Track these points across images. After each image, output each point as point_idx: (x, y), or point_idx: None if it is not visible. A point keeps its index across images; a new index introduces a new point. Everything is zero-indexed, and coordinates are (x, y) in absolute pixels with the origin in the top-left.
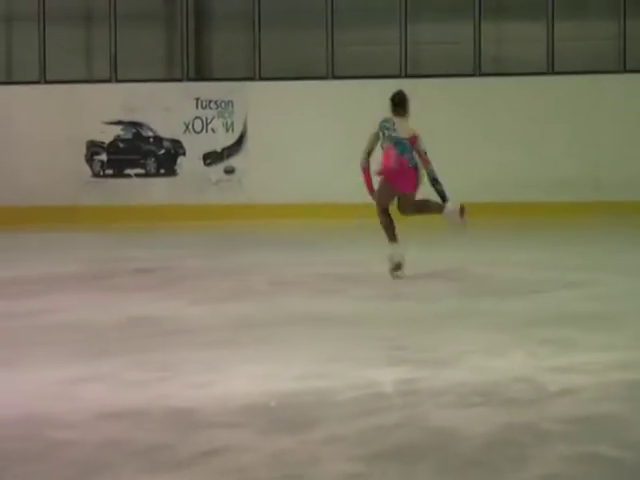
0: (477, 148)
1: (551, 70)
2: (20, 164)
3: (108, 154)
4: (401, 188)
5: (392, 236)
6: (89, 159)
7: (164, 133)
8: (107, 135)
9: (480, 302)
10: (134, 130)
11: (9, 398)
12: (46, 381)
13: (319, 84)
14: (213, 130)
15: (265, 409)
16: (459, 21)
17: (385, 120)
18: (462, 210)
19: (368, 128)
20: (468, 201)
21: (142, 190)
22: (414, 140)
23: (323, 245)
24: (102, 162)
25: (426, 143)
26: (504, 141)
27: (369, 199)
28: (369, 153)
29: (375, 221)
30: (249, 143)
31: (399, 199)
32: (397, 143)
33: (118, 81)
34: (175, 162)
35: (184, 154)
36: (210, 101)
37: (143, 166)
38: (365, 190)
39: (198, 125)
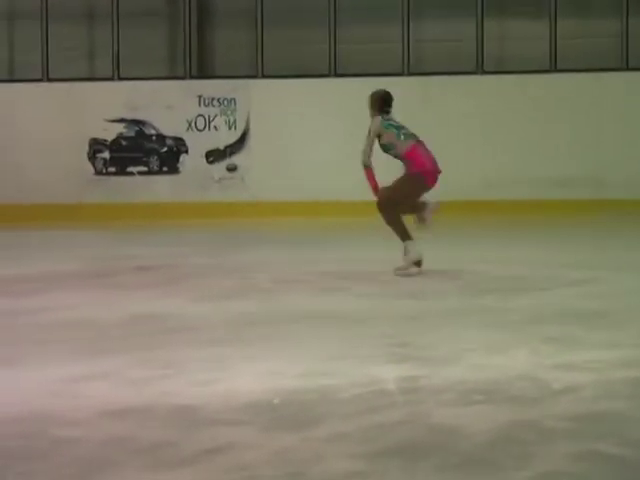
0: (479, 146)
1: (554, 68)
2: (23, 162)
3: (111, 152)
4: (432, 186)
5: (409, 233)
6: (92, 157)
7: (167, 131)
8: (110, 133)
9: (482, 300)
10: (137, 128)
11: (12, 396)
12: (49, 379)
13: (322, 82)
14: (216, 128)
15: (268, 407)
16: (461, 19)
17: (390, 119)
18: (435, 208)
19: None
20: (469, 199)
21: (145, 188)
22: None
23: (326, 243)
24: (105, 160)
25: (427, 140)
26: (506, 139)
27: (372, 197)
28: (370, 152)
29: (377, 219)
30: (252, 141)
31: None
32: (419, 140)
33: (121, 79)
34: (178, 160)
35: (187, 152)
36: (213, 99)
37: (146, 164)
38: (369, 189)
39: (201, 123)
